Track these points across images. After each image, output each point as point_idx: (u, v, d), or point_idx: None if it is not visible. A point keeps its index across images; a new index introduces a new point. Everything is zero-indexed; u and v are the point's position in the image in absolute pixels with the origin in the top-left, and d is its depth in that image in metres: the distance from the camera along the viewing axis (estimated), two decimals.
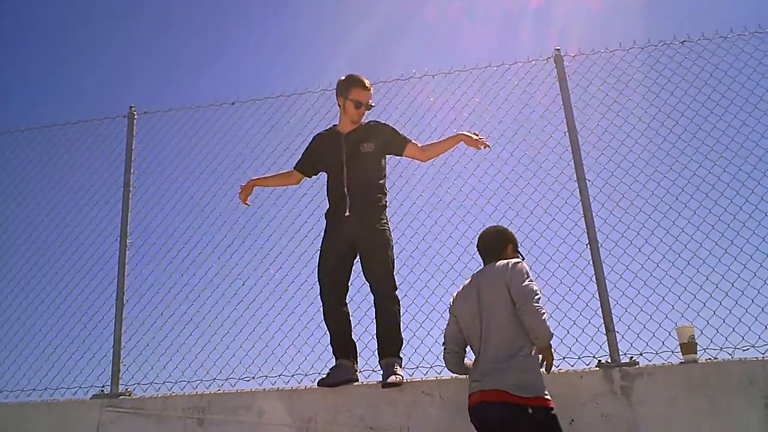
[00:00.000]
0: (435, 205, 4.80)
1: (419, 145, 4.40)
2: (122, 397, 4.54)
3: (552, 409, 3.12)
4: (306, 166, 4.56)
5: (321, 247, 4.30)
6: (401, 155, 4.44)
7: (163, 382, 4.60)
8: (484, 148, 4.25)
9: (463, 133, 4.28)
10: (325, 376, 4.10)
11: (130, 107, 5.54)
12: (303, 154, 4.58)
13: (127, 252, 5.08)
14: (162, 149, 5.50)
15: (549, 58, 4.80)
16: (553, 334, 3.23)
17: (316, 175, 4.61)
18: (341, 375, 4.09)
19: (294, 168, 4.59)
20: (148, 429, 4.28)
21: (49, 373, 4.96)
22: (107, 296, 5.02)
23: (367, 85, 4.37)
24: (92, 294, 5.16)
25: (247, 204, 4.57)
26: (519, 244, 3.68)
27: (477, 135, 4.24)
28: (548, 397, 3.14)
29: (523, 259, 3.50)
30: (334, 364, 4.15)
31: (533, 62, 4.87)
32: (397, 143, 4.40)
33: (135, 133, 5.51)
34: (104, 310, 5.01)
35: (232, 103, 5.39)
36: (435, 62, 7.55)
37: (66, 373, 4.92)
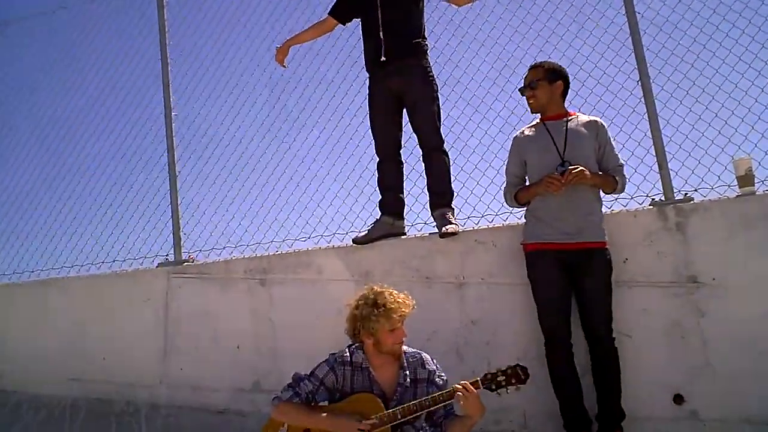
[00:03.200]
0: (477, 52, 4.66)
1: None
2: (186, 263, 4.75)
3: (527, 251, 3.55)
4: (339, 11, 4.42)
5: (369, 102, 4.27)
6: None
7: (224, 248, 4.79)
8: None
9: None
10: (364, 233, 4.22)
11: None
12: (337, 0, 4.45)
13: (173, 124, 5.13)
14: (194, 18, 5.40)
15: None
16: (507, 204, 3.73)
17: (349, 21, 4.46)
18: (376, 231, 4.18)
19: (327, 14, 4.45)
20: (213, 291, 4.51)
21: (115, 245, 5.24)
22: (160, 169, 5.16)
23: None
24: (146, 167, 5.32)
25: (284, 66, 4.50)
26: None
27: None
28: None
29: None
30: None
31: None
32: None
33: (165, 3, 5.39)
34: (159, 183, 5.18)
35: None
36: None
37: (130, 245, 5.18)
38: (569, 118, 3.57)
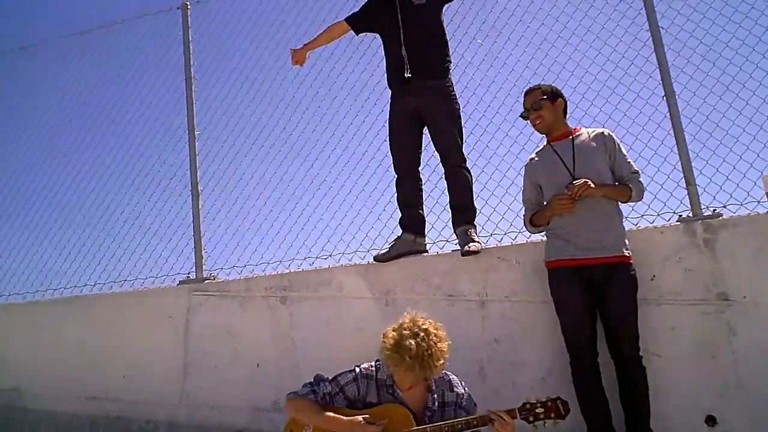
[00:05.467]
0: (499, 70, 4.65)
1: None
2: (207, 281, 4.74)
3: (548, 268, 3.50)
4: (356, 19, 4.42)
5: (389, 118, 4.25)
6: None
7: (245, 266, 4.78)
8: None
9: None
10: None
11: None
12: (360, 8, 4.45)
13: (197, 143, 5.17)
14: (218, 37, 5.49)
15: None
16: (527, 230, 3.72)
17: (362, 32, 4.47)
18: (396, 249, 4.12)
19: (344, 19, 4.45)
20: (234, 309, 4.49)
21: (137, 264, 5.26)
22: (182, 187, 5.19)
23: None
24: (168, 187, 5.36)
25: (302, 65, 4.56)
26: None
27: None
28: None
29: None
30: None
31: None
32: None
33: (190, 24, 5.49)
34: (181, 202, 5.21)
35: None
36: None
37: (152, 263, 5.20)
38: (575, 135, 3.55)
